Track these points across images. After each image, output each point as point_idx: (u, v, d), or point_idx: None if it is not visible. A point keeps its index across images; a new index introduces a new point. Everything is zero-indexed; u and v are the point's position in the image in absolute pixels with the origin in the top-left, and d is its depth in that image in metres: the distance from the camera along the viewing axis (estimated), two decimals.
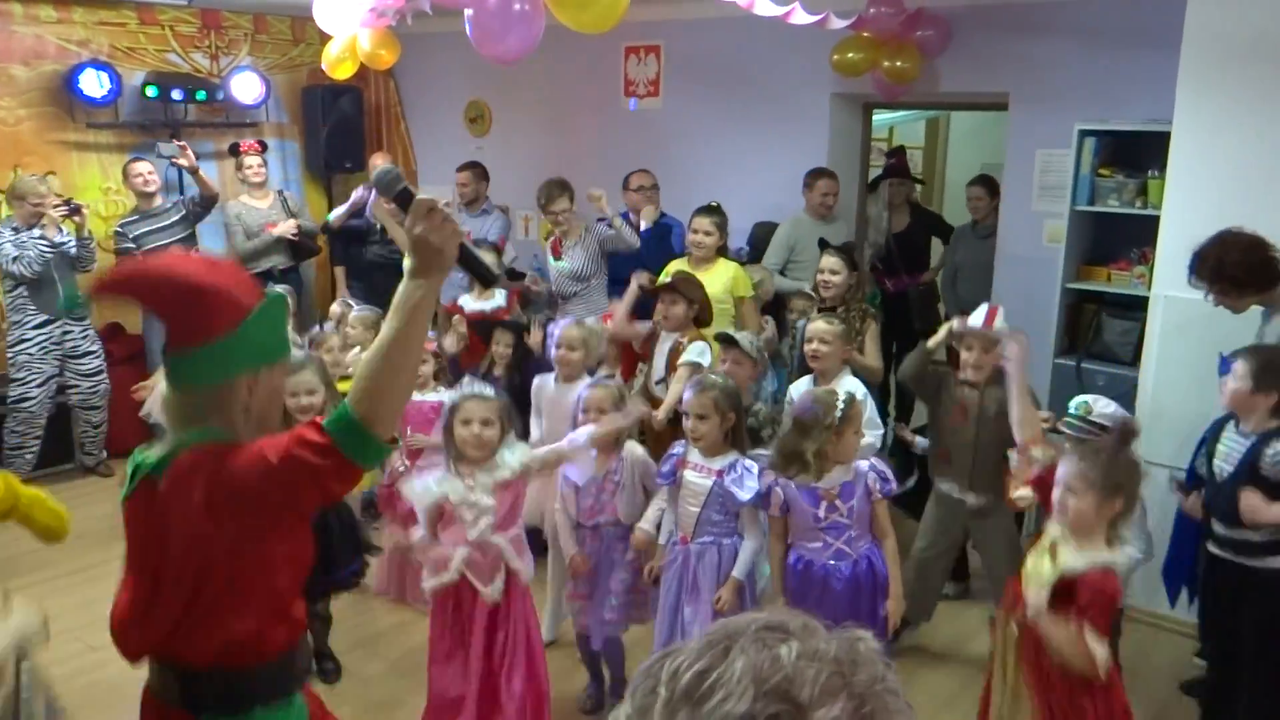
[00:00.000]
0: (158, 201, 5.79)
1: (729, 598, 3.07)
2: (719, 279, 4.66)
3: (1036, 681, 2.66)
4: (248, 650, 1.83)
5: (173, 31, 6.55)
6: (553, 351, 3.92)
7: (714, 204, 4.89)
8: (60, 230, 5.25)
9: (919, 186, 6.75)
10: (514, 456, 3.02)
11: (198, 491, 1.68)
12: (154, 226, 5.71)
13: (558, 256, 5.33)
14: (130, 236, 5.63)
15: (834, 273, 4.42)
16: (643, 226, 5.32)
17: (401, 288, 1.66)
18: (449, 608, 3.07)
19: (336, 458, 1.62)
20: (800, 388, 3.92)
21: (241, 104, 6.69)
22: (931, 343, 3.79)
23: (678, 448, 3.26)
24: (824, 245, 4.70)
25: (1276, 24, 3.66)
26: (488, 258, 4.31)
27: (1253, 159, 3.81)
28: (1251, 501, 2.98)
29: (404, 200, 1.67)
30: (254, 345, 1.77)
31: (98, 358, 5.53)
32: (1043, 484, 2.81)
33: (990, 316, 3.59)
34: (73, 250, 5.28)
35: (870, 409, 3.71)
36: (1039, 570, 2.62)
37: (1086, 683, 2.56)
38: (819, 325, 3.81)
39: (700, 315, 4.27)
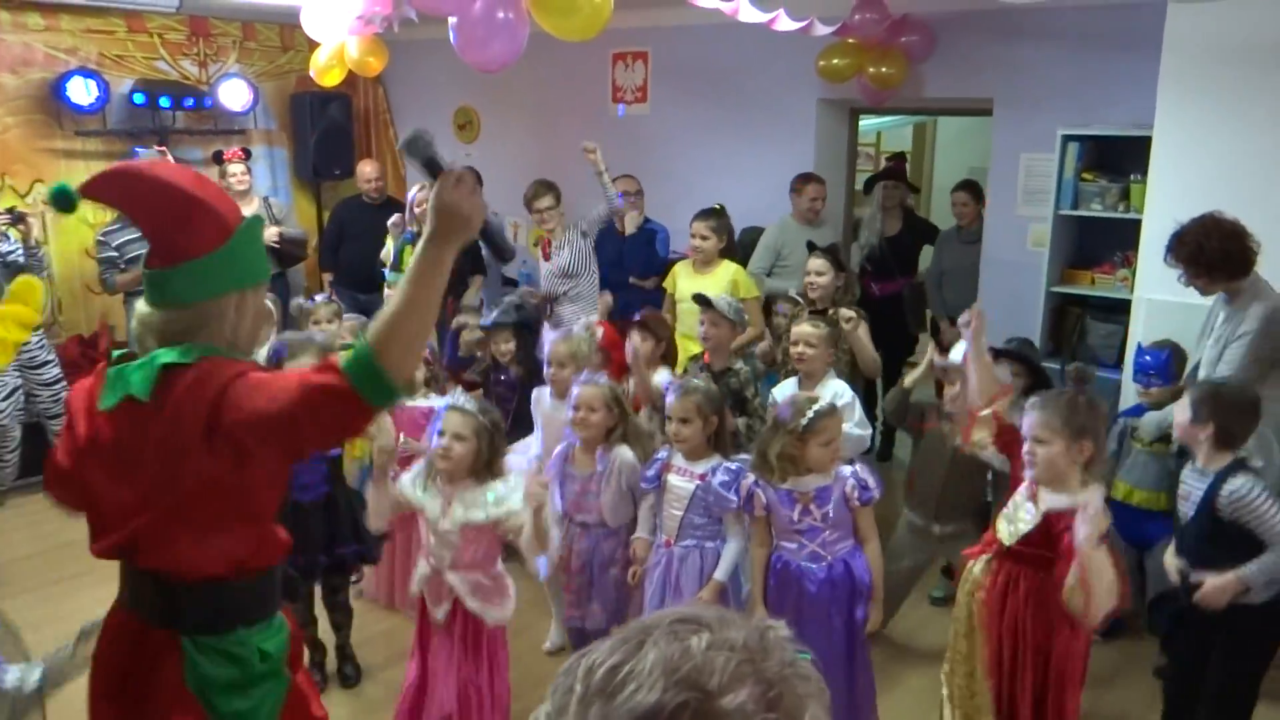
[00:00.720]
0: None
1: (710, 599, 3.08)
2: (720, 282, 4.71)
3: (990, 621, 2.81)
4: (232, 566, 1.82)
5: (161, 39, 6.56)
6: (545, 368, 3.87)
7: (716, 206, 4.90)
8: (7, 239, 5.20)
9: (913, 194, 6.77)
10: (495, 501, 2.89)
11: (201, 411, 1.67)
12: (136, 234, 5.62)
13: (548, 258, 5.33)
14: (112, 245, 5.56)
15: (819, 274, 4.43)
16: (627, 231, 5.33)
17: (421, 251, 1.64)
18: (420, 618, 3.09)
19: (352, 397, 1.60)
20: (785, 389, 3.94)
21: (230, 111, 6.69)
22: (909, 380, 3.80)
23: (662, 452, 3.27)
24: (811, 248, 4.72)
25: (1254, 31, 3.70)
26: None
27: (1232, 162, 3.85)
28: (1205, 593, 2.82)
29: (432, 166, 1.66)
30: (241, 263, 1.77)
31: (55, 366, 5.45)
32: (1005, 435, 2.93)
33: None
34: (21, 260, 5.24)
35: (858, 409, 3.72)
36: (1018, 516, 2.75)
37: (1054, 625, 2.71)
38: (804, 328, 3.81)
39: (667, 353, 4.23)
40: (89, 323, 6.07)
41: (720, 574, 3.13)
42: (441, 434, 2.88)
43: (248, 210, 6.14)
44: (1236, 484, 2.79)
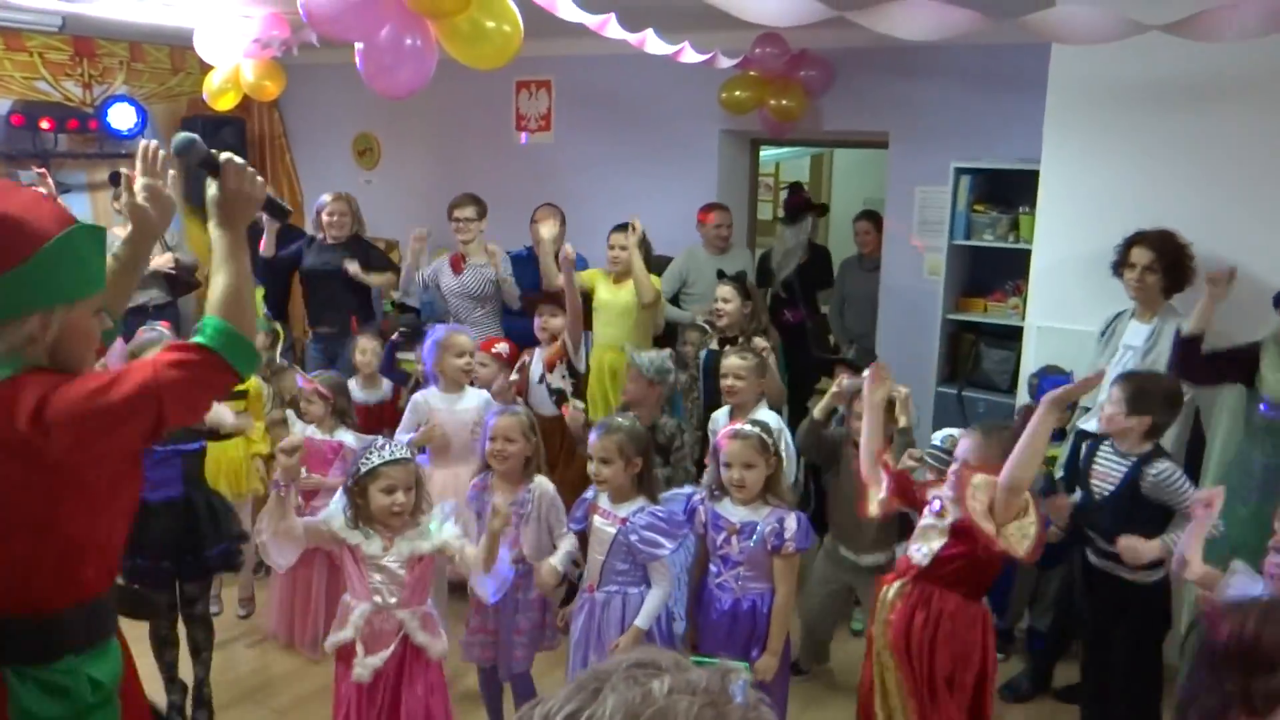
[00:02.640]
0: None
1: (626, 646, 2.98)
2: (629, 291, 4.83)
3: (897, 644, 2.88)
4: (58, 593, 1.73)
5: (42, 59, 6.29)
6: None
7: (631, 219, 4.93)
8: None
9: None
10: (438, 530, 2.86)
11: (18, 426, 1.58)
12: None
13: (458, 272, 5.24)
14: None
15: (725, 301, 4.49)
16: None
17: (221, 239, 1.84)
18: (346, 667, 2.90)
19: (221, 364, 1.73)
20: (720, 420, 3.96)
21: (117, 134, 6.44)
22: (818, 411, 3.81)
23: (589, 492, 3.19)
24: (721, 275, 4.78)
25: (1132, 71, 3.90)
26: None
27: (1116, 196, 4.04)
28: (1130, 543, 3.10)
29: (211, 162, 1.82)
30: (51, 279, 1.64)
31: None
32: (902, 488, 3.00)
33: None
34: None
35: (786, 437, 3.76)
36: (929, 536, 2.88)
37: (966, 654, 2.83)
38: (733, 361, 3.84)
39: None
40: None
41: (641, 621, 3.02)
42: (390, 491, 2.79)
43: None
44: (1161, 467, 3.13)
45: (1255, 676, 1.63)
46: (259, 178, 1.88)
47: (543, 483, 3.31)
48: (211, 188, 1.85)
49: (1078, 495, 3.38)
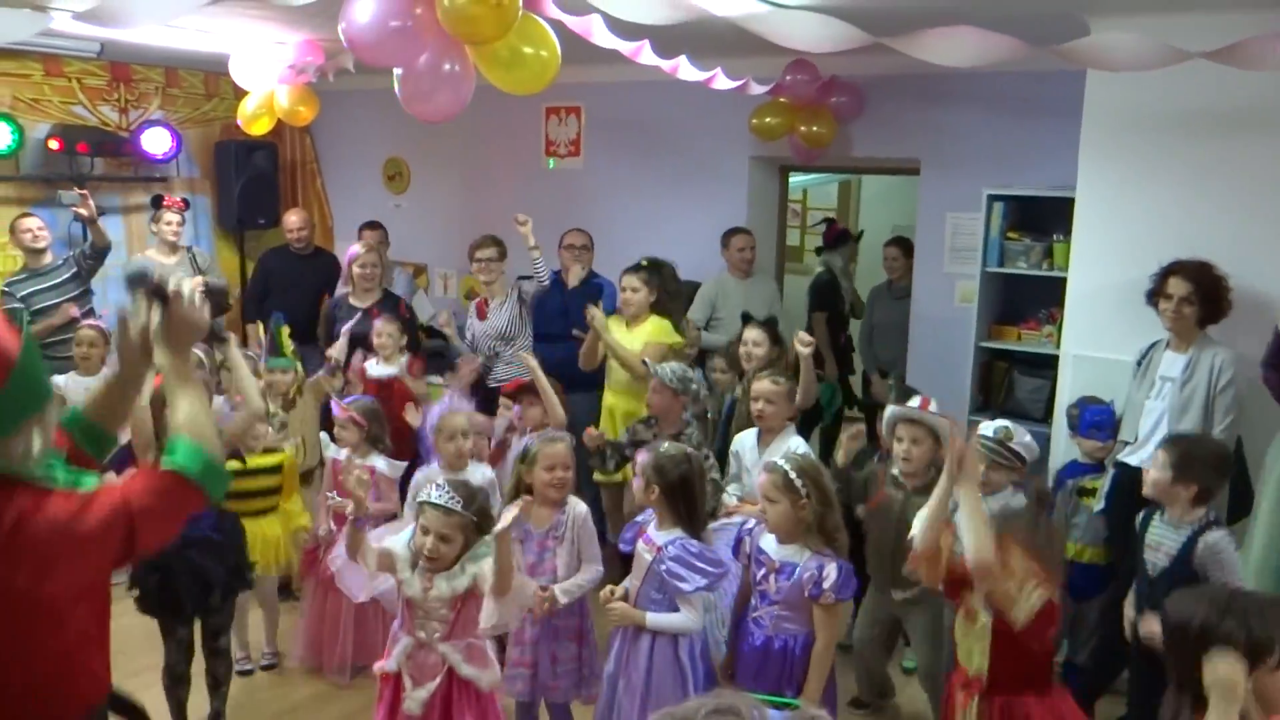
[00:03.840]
0: (47, 259, 5.49)
1: (619, 611, 3.01)
2: (642, 336, 4.72)
3: None
4: (43, 712, 1.73)
5: (80, 84, 6.38)
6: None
7: (643, 261, 4.90)
8: None
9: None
10: (476, 564, 2.85)
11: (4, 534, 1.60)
12: (43, 285, 5.42)
13: (483, 318, 5.30)
14: (17, 296, 5.34)
15: (757, 345, 4.40)
16: (571, 284, 5.33)
17: (170, 364, 1.89)
18: (390, 693, 2.92)
19: (194, 491, 1.76)
20: (745, 441, 3.93)
21: (151, 158, 6.52)
22: (840, 459, 3.74)
23: (643, 515, 3.16)
24: (747, 319, 4.67)
25: (1169, 99, 3.88)
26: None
27: (1150, 223, 4.01)
28: (1152, 629, 2.86)
29: (160, 292, 1.89)
30: (27, 394, 1.68)
31: None
32: (954, 581, 2.77)
33: (924, 405, 3.50)
34: None
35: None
36: (980, 648, 2.70)
37: None
38: (764, 385, 3.81)
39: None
40: None
41: (650, 620, 2.98)
42: (425, 533, 2.80)
43: (170, 258, 6.02)
44: (1216, 537, 3.00)
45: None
46: (205, 308, 1.95)
47: (575, 504, 3.31)
48: (156, 315, 1.89)
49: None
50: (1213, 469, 3.09)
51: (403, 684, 2.87)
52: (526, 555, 3.26)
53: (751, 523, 3.14)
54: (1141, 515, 3.33)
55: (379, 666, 2.94)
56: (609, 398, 4.88)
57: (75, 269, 5.52)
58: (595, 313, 4.61)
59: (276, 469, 4.08)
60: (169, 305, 1.89)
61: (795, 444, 3.74)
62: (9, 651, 1.67)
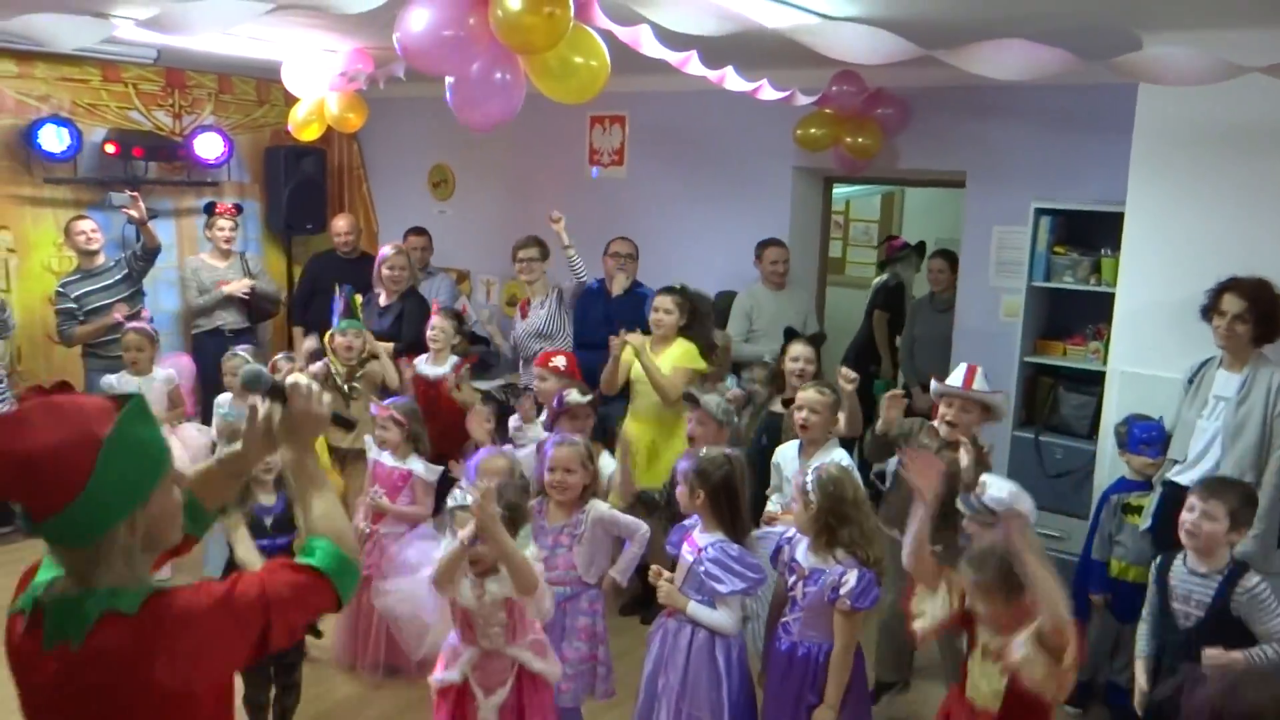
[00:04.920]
0: (100, 260, 5.63)
1: (665, 591, 3.08)
2: (670, 359, 4.58)
3: None
4: None
5: (135, 89, 6.52)
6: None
7: (677, 285, 4.80)
8: None
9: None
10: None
11: (145, 669, 1.53)
12: (95, 286, 5.56)
13: (525, 317, 5.38)
14: (71, 296, 5.48)
15: (808, 362, 4.37)
16: (615, 293, 5.37)
17: (295, 462, 1.85)
18: (449, 705, 2.95)
19: (330, 591, 1.71)
20: (788, 453, 3.94)
21: (203, 163, 6.64)
22: (880, 427, 3.78)
23: (690, 519, 3.20)
24: (791, 335, 4.65)
25: (1221, 112, 3.83)
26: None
27: (1201, 239, 3.96)
28: (1218, 657, 2.84)
29: (278, 391, 1.85)
30: (115, 492, 1.55)
31: None
32: (964, 618, 2.71)
33: (969, 376, 3.61)
34: None
35: (856, 476, 3.70)
36: (989, 683, 2.61)
37: None
38: (810, 394, 3.81)
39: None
40: (49, 372, 5.91)
41: (690, 609, 3.04)
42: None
43: (222, 261, 6.12)
44: (1253, 582, 2.90)
45: None
46: (325, 396, 1.89)
47: (596, 504, 3.37)
48: (277, 413, 1.84)
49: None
50: (1252, 510, 3.01)
51: (469, 694, 2.90)
52: (539, 550, 3.31)
53: (791, 532, 3.17)
54: (1158, 562, 3.22)
55: (438, 679, 2.94)
56: (632, 428, 4.61)
57: (127, 270, 5.65)
58: (632, 337, 4.51)
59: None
60: (290, 400, 1.84)
61: (838, 456, 3.73)
62: None
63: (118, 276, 5.62)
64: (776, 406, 4.44)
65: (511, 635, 2.91)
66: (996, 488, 3.09)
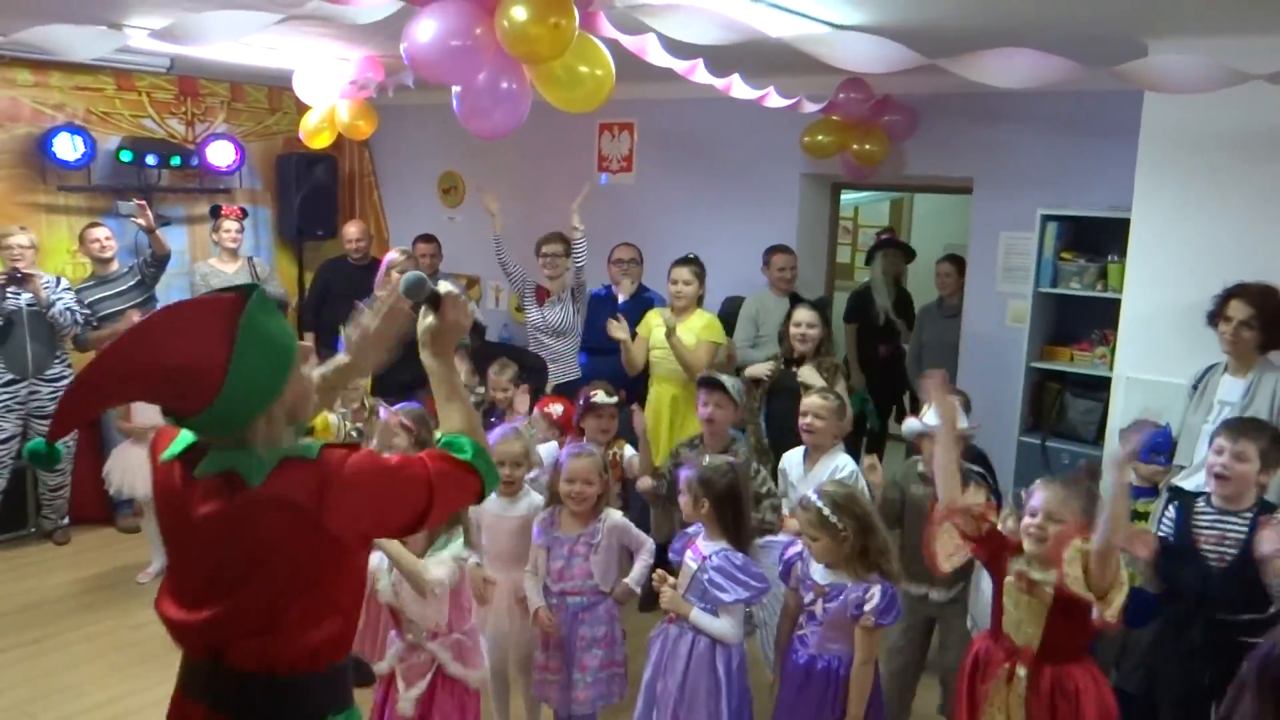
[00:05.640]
0: (114, 267, 5.71)
1: (668, 597, 3.08)
2: (693, 328, 4.85)
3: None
4: (322, 659, 1.78)
5: (149, 98, 6.58)
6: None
7: (691, 255, 5.04)
8: (14, 296, 5.20)
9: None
10: (438, 558, 2.88)
11: (314, 510, 1.66)
12: (109, 293, 5.62)
13: (541, 302, 5.40)
14: (85, 302, 5.54)
15: (810, 326, 4.47)
16: (620, 299, 5.40)
17: (439, 368, 1.96)
18: (381, 692, 3.03)
19: (478, 483, 1.87)
20: (792, 459, 3.95)
21: (215, 170, 6.71)
22: (877, 495, 3.71)
23: (694, 527, 3.20)
24: (795, 300, 4.77)
25: (1227, 118, 3.84)
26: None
27: (1208, 246, 3.96)
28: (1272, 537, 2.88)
29: (435, 299, 1.94)
30: (251, 389, 1.64)
31: None
32: (996, 552, 2.84)
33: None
34: (27, 309, 5.23)
35: (862, 484, 3.71)
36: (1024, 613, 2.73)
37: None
38: (815, 400, 3.82)
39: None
40: None
41: (694, 616, 3.04)
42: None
43: (229, 266, 6.18)
44: None
45: None
46: (470, 305, 2.02)
47: (611, 514, 3.40)
48: (428, 318, 1.94)
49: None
50: None
51: (395, 685, 2.96)
52: (554, 560, 3.36)
53: (799, 547, 3.13)
54: (1174, 509, 3.22)
55: (378, 669, 3.04)
56: (658, 388, 4.93)
57: (139, 276, 5.72)
58: (664, 315, 4.76)
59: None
60: (442, 308, 1.94)
61: (842, 463, 3.74)
62: (310, 584, 1.73)
63: (131, 283, 5.68)
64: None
65: (434, 632, 2.94)
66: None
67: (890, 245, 6.40)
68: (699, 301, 4.99)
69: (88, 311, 5.52)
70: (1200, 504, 3.16)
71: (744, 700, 3.10)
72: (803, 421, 3.83)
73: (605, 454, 3.83)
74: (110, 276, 5.66)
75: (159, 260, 5.77)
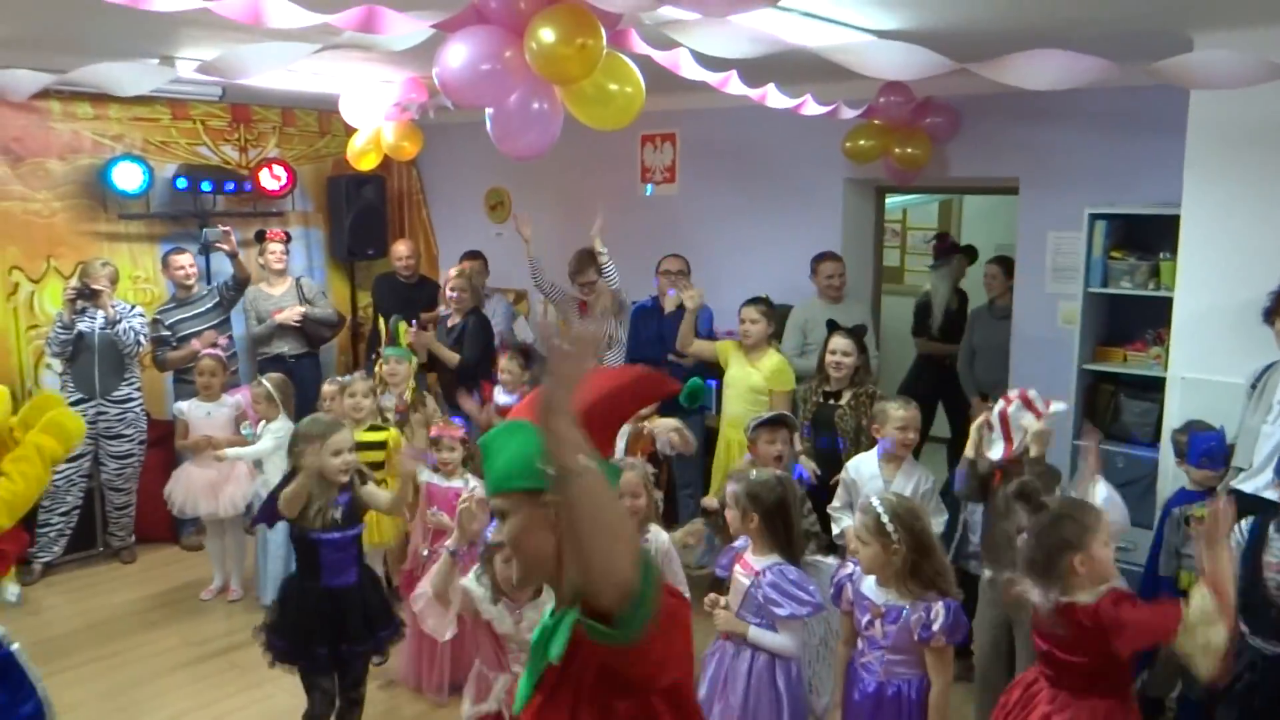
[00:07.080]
0: (195, 290, 5.98)
1: (723, 619, 3.05)
2: (763, 369, 4.84)
3: None
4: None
5: (204, 125, 6.77)
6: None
7: (762, 296, 5.06)
8: (89, 316, 5.39)
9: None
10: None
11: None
12: (189, 314, 5.91)
13: (582, 315, 5.54)
14: (166, 324, 5.82)
15: (845, 354, 4.49)
16: (667, 309, 5.43)
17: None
18: None
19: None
20: (864, 465, 3.96)
21: (269, 194, 6.87)
22: (970, 452, 3.70)
23: (740, 541, 3.18)
24: (833, 327, 4.74)
25: (1275, 111, 3.74)
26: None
27: (1260, 240, 3.86)
28: None
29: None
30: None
31: (130, 441, 5.62)
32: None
33: (1025, 400, 3.62)
34: (99, 332, 5.41)
35: (936, 496, 3.69)
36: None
37: None
38: (913, 413, 3.91)
39: None
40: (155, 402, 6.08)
41: (752, 634, 3.00)
42: (493, 560, 2.90)
43: (278, 288, 6.33)
44: None
45: None
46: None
47: (658, 534, 3.35)
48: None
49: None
50: None
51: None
52: None
53: (850, 568, 3.07)
54: (1250, 528, 3.13)
55: (476, 711, 2.98)
56: (728, 432, 4.95)
57: (218, 299, 6.04)
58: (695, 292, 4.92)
59: (381, 445, 4.40)
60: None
61: (920, 476, 3.79)
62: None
63: (209, 304, 5.99)
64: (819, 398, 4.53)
65: None
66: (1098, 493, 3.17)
67: (954, 252, 6.40)
68: (768, 340, 4.94)
69: (167, 333, 5.74)
70: (1274, 528, 3.06)
71: (802, 713, 3.08)
72: (902, 435, 3.89)
73: (637, 428, 3.96)
74: (191, 299, 5.94)
75: (240, 284, 6.09)
